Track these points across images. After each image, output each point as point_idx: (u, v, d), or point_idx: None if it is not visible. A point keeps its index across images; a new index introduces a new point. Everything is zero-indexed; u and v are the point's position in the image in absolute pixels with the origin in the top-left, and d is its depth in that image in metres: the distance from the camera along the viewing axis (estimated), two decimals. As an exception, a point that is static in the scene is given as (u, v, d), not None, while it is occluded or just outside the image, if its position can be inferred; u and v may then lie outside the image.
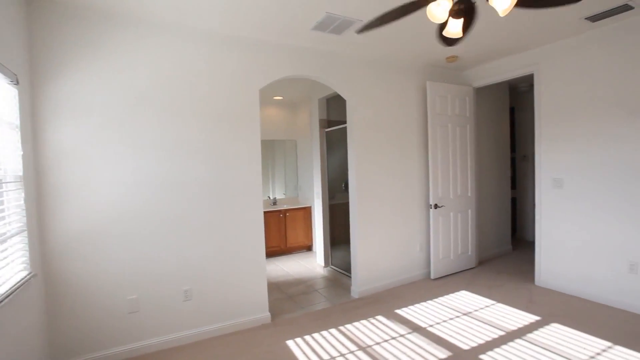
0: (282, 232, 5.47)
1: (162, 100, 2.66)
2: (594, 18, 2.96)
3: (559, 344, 2.59)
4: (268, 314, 3.14)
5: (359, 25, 2.84)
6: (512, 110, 5.83)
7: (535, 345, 2.58)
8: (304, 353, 2.58)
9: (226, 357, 2.56)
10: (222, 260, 2.91)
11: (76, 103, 2.38)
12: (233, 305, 2.96)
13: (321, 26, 2.87)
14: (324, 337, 2.81)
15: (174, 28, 2.69)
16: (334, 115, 4.74)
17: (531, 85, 5.33)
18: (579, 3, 2.59)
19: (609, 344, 2.56)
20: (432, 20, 1.75)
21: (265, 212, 5.22)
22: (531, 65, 3.77)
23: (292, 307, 3.47)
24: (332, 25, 2.87)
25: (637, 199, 3.03)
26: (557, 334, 2.74)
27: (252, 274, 3.05)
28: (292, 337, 2.83)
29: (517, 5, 1.73)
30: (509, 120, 5.23)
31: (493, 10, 2.61)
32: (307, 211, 5.69)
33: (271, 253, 5.44)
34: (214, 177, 2.87)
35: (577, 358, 2.39)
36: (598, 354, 2.44)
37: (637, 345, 2.51)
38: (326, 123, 4.71)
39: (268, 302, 3.19)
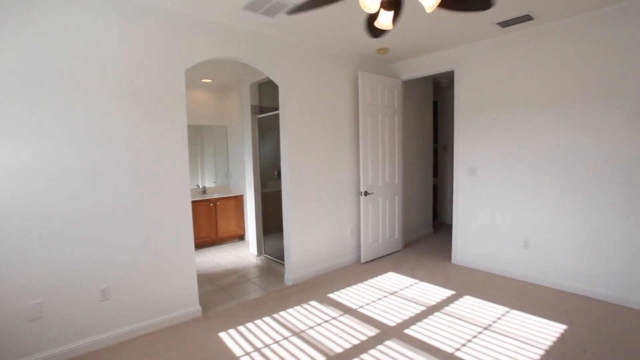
0: (212, 221, 5.24)
1: (69, 76, 2.30)
2: (504, 24, 3.29)
3: (469, 313, 2.92)
4: (199, 307, 3.00)
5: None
6: (435, 104, 6.29)
7: (451, 316, 2.88)
8: (237, 344, 2.53)
9: (151, 356, 2.40)
10: (146, 254, 2.69)
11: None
12: (160, 300, 2.77)
13: (253, 6, 2.74)
14: (258, 326, 2.79)
15: (82, -8, 2.34)
16: (266, 101, 4.62)
17: (452, 81, 5.80)
18: (490, 10, 2.86)
19: (507, 309, 2.97)
20: (364, 10, 1.78)
21: (194, 202, 4.94)
22: (452, 62, 4.08)
23: (224, 299, 3.36)
24: (264, 7, 2.75)
25: (530, 185, 3.51)
26: (468, 304, 3.08)
27: (180, 267, 2.88)
28: (225, 329, 2.75)
29: (440, 5, 1.83)
30: (432, 113, 5.63)
31: (421, 7, 2.75)
32: (238, 200, 5.53)
33: (201, 244, 5.20)
34: (135, 164, 2.60)
35: (483, 323, 2.73)
36: (499, 318, 2.81)
37: (527, 308, 2.95)
38: (258, 109, 4.57)
39: (198, 295, 3.04)
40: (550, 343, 2.45)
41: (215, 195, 5.33)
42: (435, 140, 6.34)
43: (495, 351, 2.37)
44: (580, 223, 3.23)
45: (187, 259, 2.92)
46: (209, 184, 5.69)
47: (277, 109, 3.83)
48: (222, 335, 2.66)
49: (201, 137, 5.60)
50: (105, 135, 2.47)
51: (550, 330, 2.62)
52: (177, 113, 2.80)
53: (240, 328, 2.77)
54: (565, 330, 2.62)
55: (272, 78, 3.52)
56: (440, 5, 1.86)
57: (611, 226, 3.05)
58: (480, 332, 2.61)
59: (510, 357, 2.30)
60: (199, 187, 5.55)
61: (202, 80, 5.13)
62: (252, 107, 4.53)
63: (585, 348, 2.37)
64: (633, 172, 2.92)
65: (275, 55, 3.45)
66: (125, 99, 2.54)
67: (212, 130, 5.69)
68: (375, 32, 2.34)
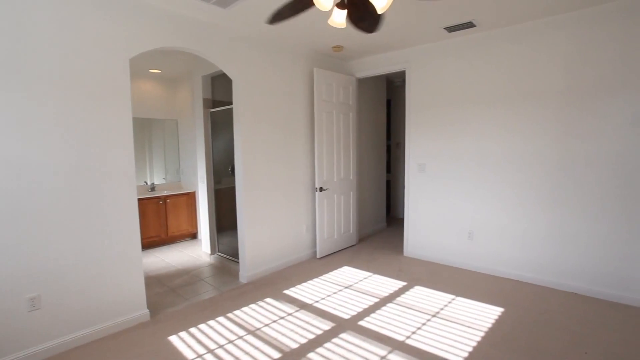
0: (162, 220, 4.99)
1: (-12, 59, 2.05)
2: (450, 29, 3.48)
3: (419, 302, 3.07)
4: (147, 311, 2.85)
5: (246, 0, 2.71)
6: (388, 102, 6.49)
7: (402, 306, 3.01)
8: (189, 346, 2.44)
9: (93, 366, 2.24)
10: (86, 258, 2.49)
11: None
12: (102, 306, 2.58)
13: (204, -5, 2.64)
14: (211, 327, 2.71)
15: (5, -33, 2.09)
16: (219, 95, 4.47)
17: (404, 81, 6.02)
18: (438, 15, 3.01)
19: (453, 296, 3.16)
20: (319, 7, 1.79)
21: (141, 199, 4.67)
22: (404, 63, 4.23)
23: (175, 300, 3.22)
24: (216, -3, 2.66)
25: (474, 180, 3.77)
26: (418, 294, 3.24)
27: (125, 269, 2.70)
28: (176, 332, 2.64)
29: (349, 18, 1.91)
30: (385, 111, 5.81)
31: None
32: (190, 197, 5.32)
33: (150, 244, 4.94)
34: (73, 160, 2.39)
35: (431, 311, 2.88)
36: (445, 305, 2.99)
37: (471, 294, 3.17)
38: (211, 103, 4.42)
39: (147, 298, 2.89)
40: (489, 325, 2.65)
41: (165, 193, 5.07)
42: (388, 137, 6.56)
43: (442, 336, 2.52)
44: (515, 215, 3.52)
45: (133, 260, 2.75)
46: (158, 180, 5.40)
47: (231, 103, 3.73)
48: (173, 338, 2.56)
49: (150, 131, 5.29)
50: (33, 125, 2.23)
51: (489, 314, 2.83)
52: (120, 104, 2.62)
53: (192, 330, 2.67)
54: (502, 312, 2.85)
55: (225, 72, 3.41)
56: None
57: (541, 218, 3.37)
58: (429, 320, 2.76)
59: (456, 340, 2.46)
60: (147, 183, 5.25)
61: (150, 70, 4.84)
62: (205, 100, 4.36)
63: (519, 327, 2.60)
64: (557, 170, 3.24)
65: (229, 48, 3.35)
66: (63, 88, 2.32)
67: (161, 124, 5.40)
68: (363, 27, 2.28)
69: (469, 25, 3.35)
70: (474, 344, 2.42)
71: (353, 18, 2.11)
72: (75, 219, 2.43)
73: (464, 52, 3.74)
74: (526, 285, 3.42)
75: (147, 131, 5.25)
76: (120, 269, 2.67)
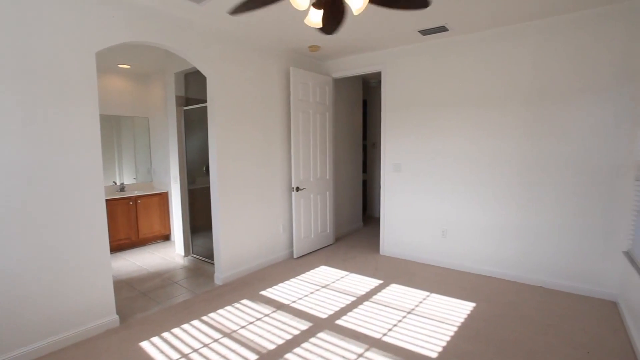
0: (132, 221, 4.81)
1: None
2: (424, 32, 3.55)
3: (395, 299, 3.11)
4: (116, 316, 2.73)
5: (221, -4, 2.65)
6: (364, 103, 6.55)
7: (378, 304, 3.04)
8: (162, 352, 2.36)
9: (57, 376, 2.12)
10: (48, 263, 2.34)
11: None
12: (67, 313, 2.45)
13: (177, -10, 2.56)
14: (185, 331, 2.63)
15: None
16: (193, 92, 4.36)
17: (380, 82, 6.10)
18: (411, 19, 3.07)
19: (427, 293, 3.24)
20: (295, 7, 1.77)
21: (109, 200, 4.48)
22: (380, 64, 4.29)
23: (147, 305, 3.11)
24: (190, -9, 2.59)
25: (448, 180, 3.87)
26: (394, 292, 3.29)
27: (92, 274, 2.57)
28: (147, 338, 2.54)
29: (371, 1, 1.90)
30: (362, 111, 5.86)
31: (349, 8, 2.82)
32: (163, 197, 5.15)
33: (120, 246, 4.74)
34: (34, 157, 2.25)
35: (407, 308, 2.94)
36: (420, 302, 3.05)
37: (445, 290, 3.26)
38: (184, 100, 4.30)
39: (116, 303, 2.77)
40: (462, 320, 2.73)
41: (136, 193, 4.89)
42: (364, 138, 6.62)
43: (418, 332, 2.57)
44: (486, 213, 3.65)
45: (101, 264, 2.62)
46: (128, 180, 5.20)
47: (205, 101, 3.64)
48: (144, 344, 2.46)
49: (119, 129, 5.08)
50: (-8, 123, 2.09)
51: (462, 309, 2.92)
52: (86, 100, 2.49)
53: (166, 335, 2.59)
54: (474, 307, 2.94)
55: (199, 69, 3.33)
56: (372, 2, 1.93)
57: (510, 215, 3.51)
58: (404, 317, 2.81)
59: (430, 336, 2.52)
60: (115, 183, 5.04)
61: (120, 65, 4.65)
62: (178, 98, 4.24)
63: (490, 320, 2.69)
64: (524, 169, 3.38)
65: (204, 44, 3.27)
66: (21, 82, 2.18)
67: (132, 121, 5.20)
68: (327, 29, 2.28)
69: (442, 29, 3.43)
70: (448, 338, 2.49)
71: (325, 17, 2.10)
72: (37, 222, 2.29)
73: (438, 55, 3.84)
74: (497, 280, 3.55)
75: (116, 129, 5.04)
76: (87, 273, 2.54)
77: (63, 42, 2.36)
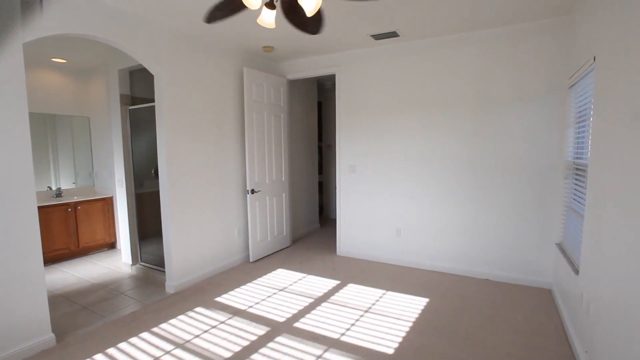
0: (71, 230, 4.41)
1: None
2: (376, 37, 3.65)
3: (352, 299, 3.16)
4: (51, 335, 2.47)
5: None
6: (319, 105, 6.60)
7: (336, 304, 3.07)
8: (106, 370, 2.18)
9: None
10: (-33, 278, 2.07)
11: None
12: (-9, 335, 2.18)
13: (120, -20, 2.39)
14: (133, 345, 2.46)
15: None
16: (139, 91, 4.10)
17: (334, 84, 6.16)
18: (364, 23, 3.15)
19: (383, 291, 3.32)
20: (247, 6, 1.74)
21: (43, 207, 4.08)
22: (334, 66, 4.34)
23: (89, 320, 2.86)
24: (134, -17, 2.43)
25: (401, 180, 4.01)
26: (351, 291, 3.33)
27: (22, 289, 2.31)
28: (89, 356, 2.34)
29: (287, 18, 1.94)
30: (317, 113, 5.89)
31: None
32: (107, 202, 4.79)
33: (56, 258, 4.33)
34: (-55, 160, 1.98)
35: (364, 307, 2.99)
36: (377, 300, 3.12)
37: (399, 288, 3.37)
38: (129, 99, 4.03)
39: (52, 320, 2.52)
40: (417, 315, 2.84)
41: (75, 199, 4.49)
42: (320, 139, 6.67)
43: (375, 330, 2.62)
44: (437, 212, 3.83)
45: (33, 278, 2.37)
46: (66, 185, 4.76)
47: (153, 100, 3.44)
48: (86, 362, 2.26)
49: (54, 129, 4.64)
50: None
51: (416, 305, 3.03)
52: (11, 96, 2.24)
53: (110, 351, 2.40)
54: (427, 302, 3.07)
55: (146, 66, 3.14)
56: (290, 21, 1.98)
57: (456, 213, 3.72)
58: (362, 315, 2.86)
59: (387, 332, 2.58)
60: (50, 189, 4.59)
61: (53, 59, 4.25)
62: (122, 96, 3.96)
63: (442, 314, 2.82)
64: (469, 168, 3.60)
65: (152, 40, 3.09)
66: None
67: (70, 121, 4.78)
68: (311, 29, 2.23)
69: (393, 34, 3.56)
70: (404, 334, 2.57)
71: (291, 18, 2.08)
72: (-47, 233, 2.01)
73: (390, 59, 3.97)
74: (447, 275, 3.73)
75: (50, 129, 4.61)
76: (15, 288, 2.28)
77: (-16, 31, 2.10)
